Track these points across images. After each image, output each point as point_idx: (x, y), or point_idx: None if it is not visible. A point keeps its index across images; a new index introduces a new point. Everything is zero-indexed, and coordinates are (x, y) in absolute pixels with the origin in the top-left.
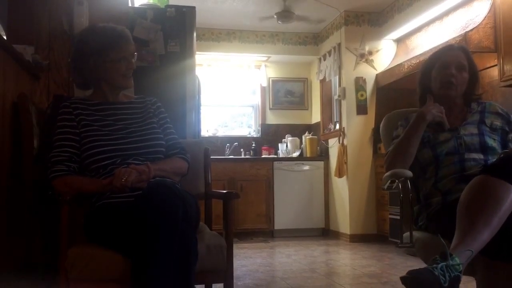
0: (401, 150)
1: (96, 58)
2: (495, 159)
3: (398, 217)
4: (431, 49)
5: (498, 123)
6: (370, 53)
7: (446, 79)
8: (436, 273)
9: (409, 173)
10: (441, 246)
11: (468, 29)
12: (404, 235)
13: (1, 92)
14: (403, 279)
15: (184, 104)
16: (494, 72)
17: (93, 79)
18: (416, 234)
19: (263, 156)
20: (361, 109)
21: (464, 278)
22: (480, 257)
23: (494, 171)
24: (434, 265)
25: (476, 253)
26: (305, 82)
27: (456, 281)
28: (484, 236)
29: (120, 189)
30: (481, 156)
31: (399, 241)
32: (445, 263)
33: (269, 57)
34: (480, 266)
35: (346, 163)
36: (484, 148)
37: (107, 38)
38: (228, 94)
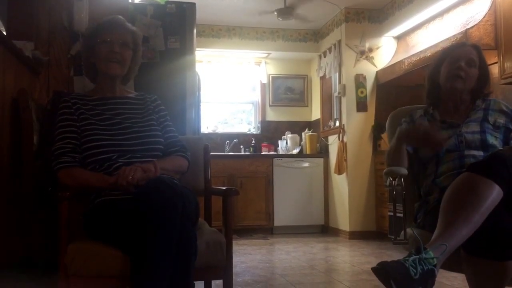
0: (392, 157)
1: (88, 42)
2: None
3: (398, 214)
4: (431, 46)
5: (501, 121)
6: (371, 50)
7: (454, 72)
8: (407, 265)
9: (404, 171)
10: (415, 241)
11: (468, 26)
12: (403, 232)
13: (1, 88)
14: (374, 270)
15: (184, 101)
16: (495, 70)
17: (89, 67)
18: (410, 231)
19: (263, 153)
20: (361, 106)
21: (461, 276)
22: (465, 253)
23: (478, 169)
24: (407, 258)
25: (453, 248)
26: (305, 79)
27: (429, 274)
28: (463, 232)
29: (126, 187)
30: (481, 153)
31: (393, 238)
32: (418, 256)
33: (269, 53)
34: (466, 263)
35: (345, 160)
36: (485, 146)
37: (98, 23)
38: (228, 90)
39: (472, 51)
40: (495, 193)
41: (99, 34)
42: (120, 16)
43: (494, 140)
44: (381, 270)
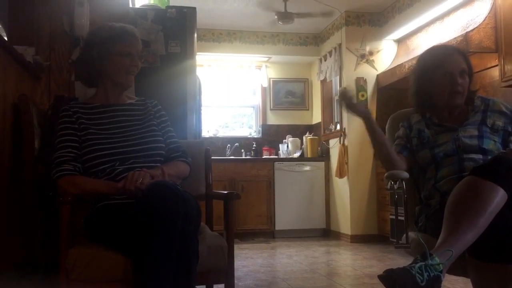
0: (378, 155)
1: (101, 49)
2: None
3: (399, 218)
4: None
5: (500, 123)
6: (371, 53)
7: (454, 89)
8: (413, 272)
9: (405, 175)
10: (420, 246)
11: (468, 29)
12: (404, 235)
13: (2, 93)
14: (380, 278)
15: (184, 105)
16: (495, 73)
17: (97, 73)
18: (413, 234)
19: (264, 157)
20: None
21: (463, 279)
22: (470, 257)
23: (482, 172)
24: (413, 265)
25: (459, 253)
26: (305, 83)
27: (436, 281)
28: (468, 236)
29: (134, 192)
30: (480, 157)
31: (395, 241)
32: (424, 262)
33: (269, 57)
34: (471, 266)
35: (347, 163)
36: (483, 150)
37: (114, 31)
38: (228, 94)
39: (460, 60)
40: (499, 197)
41: (115, 44)
42: (131, 26)
43: (492, 145)
44: (388, 278)
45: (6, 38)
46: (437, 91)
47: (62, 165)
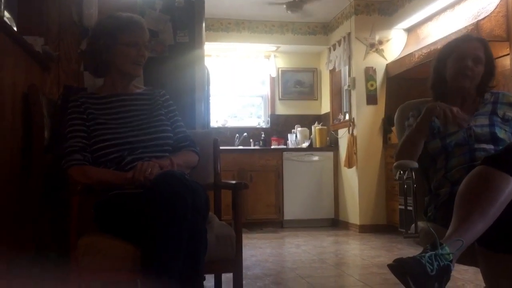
0: (409, 143)
1: (107, 39)
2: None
3: (408, 208)
4: (442, 39)
5: (510, 114)
6: (380, 42)
7: (462, 71)
8: (423, 261)
9: (414, 164)
10: (430, 235)
11: (480, 18)
12: (413, 225)
13: (11, 83)
14: (390, 267)
15: (193, 95)
16: (506, 62)
17: (104, 63)
18: (422, 224)
19: (272, 147)
20: (371, 99)
21: (473, 269)
22: (480, 248)
23: (493, 162)
24: (423, 254)
25: (469, 243)
26: (314, 72)
27: (446, 270)
28: (479, 226)
29: (143, 182)
30: (491, 147)
31: (404, 231)
32: (434, 252)
33: (278, 47)
34: (481, 257)
35: (355, 153)
36: (495, 139)
37: (121, 22)
38: (237, 84)
39: (478, 47)
40: (510, 187)
41: (122, 34)
42: (138, 16)
43: (504, 134)
44: (398, 267)
45: (15, 29)
46: (448, 74)
47: (72, 155)
